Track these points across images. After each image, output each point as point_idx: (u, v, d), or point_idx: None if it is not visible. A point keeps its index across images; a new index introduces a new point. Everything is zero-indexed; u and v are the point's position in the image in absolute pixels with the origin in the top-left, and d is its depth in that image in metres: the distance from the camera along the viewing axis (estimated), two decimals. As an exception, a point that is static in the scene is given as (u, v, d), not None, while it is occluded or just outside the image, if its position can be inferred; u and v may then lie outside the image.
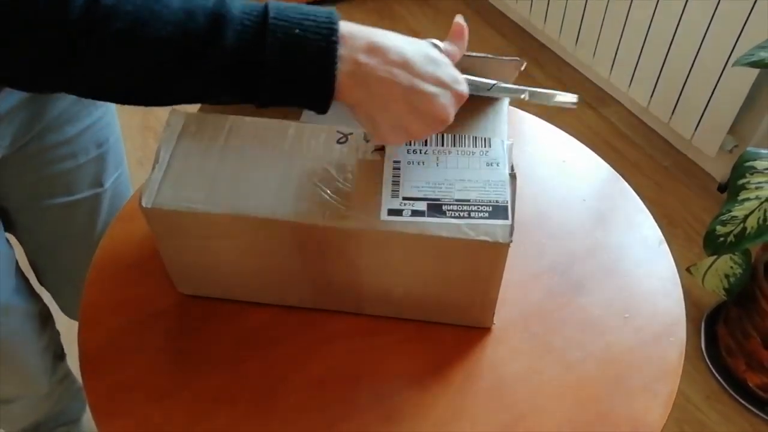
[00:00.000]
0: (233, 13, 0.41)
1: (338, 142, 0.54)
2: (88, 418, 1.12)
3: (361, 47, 0.44)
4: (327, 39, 0.42)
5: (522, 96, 0.55)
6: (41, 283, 0.90)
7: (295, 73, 0.42)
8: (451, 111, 0.47)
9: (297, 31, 0.42)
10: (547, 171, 0.74)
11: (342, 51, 0.43)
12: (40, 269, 0.88)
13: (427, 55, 0.46)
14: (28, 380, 0.86)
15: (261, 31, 0.41)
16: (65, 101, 0.70)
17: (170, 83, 0.42)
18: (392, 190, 0.51)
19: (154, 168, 0.52)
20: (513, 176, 0.52)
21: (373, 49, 0.44)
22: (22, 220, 0.79)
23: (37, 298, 0.82)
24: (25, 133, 0.68)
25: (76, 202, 0.79)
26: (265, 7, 0.42)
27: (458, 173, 0.53)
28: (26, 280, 0.79)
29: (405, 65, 0.44)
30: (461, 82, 0.48)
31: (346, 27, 0.44)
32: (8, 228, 0.79)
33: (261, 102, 0.44)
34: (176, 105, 0.47)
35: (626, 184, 0.73)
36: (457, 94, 0.47)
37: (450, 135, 0.55)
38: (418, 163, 0.53)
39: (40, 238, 0.82)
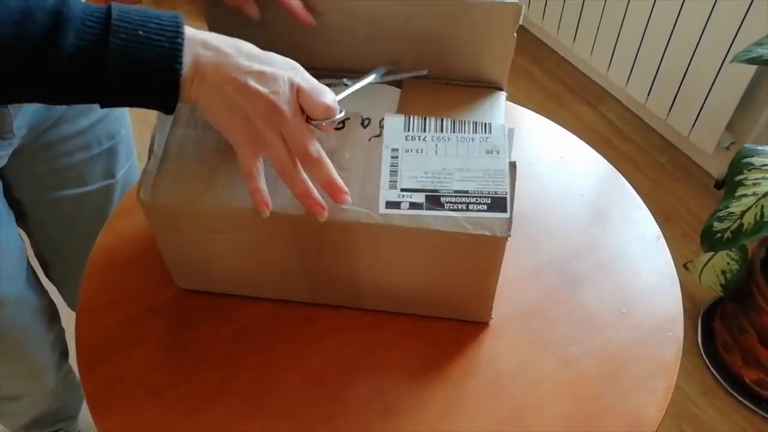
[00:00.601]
0: (74, 13, 0.41)
1: (336, 128, 0.53)
2: (84, 414, 1.12)
3: (200, 44, 0.44)
4: (171, 40, 0.43)
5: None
6: (48, 277, 0.90)
7: (139, 74, 0.43)
8: (285, 90, 0.45)
9: (140, 32, 0.42)
10: (545, 167, 0.74)
11: (186, 53, 0.43)
12: (48, 262, 0.88)
13: (261, 52, 0.46)
14: (37, 376, 0.86)
15: (103, 32, 0.41)
16: None
17: (8, 84, 0.42)
18: (390, 181, 0.51)
19: (149, 159, 0.51)
20: (513, 165, 0.52)
21: (209, 45, 0.45)
22: (33, 212, 0.80)
23: (45, 292, 0.82)
24: (41, 123, 0.69)
25: (87, 194, 0.79)
26: (108, 9, 0.42)
27: (458, 162, 0.52)
28: (35, 274, 0.79)
29: (239, 53, 0.45)
30: (297, 68, 0.47)
31: (189, 30, 0.44)
32: (19, 221, 0.79)
33: (105, 103, 0.44)
34: (19, 104, 0.46)
35: (624, 180, 0.73)
36: (291, 81, 0.46)
37: (450, 120, 0.55)
38: (417, 151, 0.53)
39: (50, 229, 0.82)
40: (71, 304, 0.98)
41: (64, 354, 0.90)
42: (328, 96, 0.47)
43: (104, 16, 0.42)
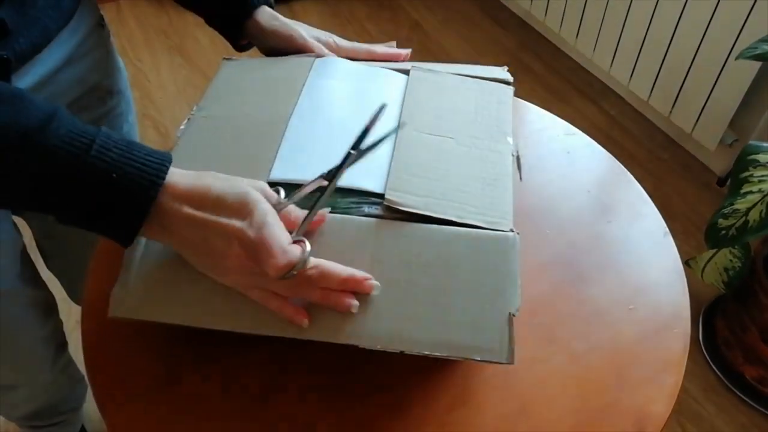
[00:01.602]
0: (57, 137, 0.41)
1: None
2: (87, 406, 1.12)
3: (179, 196, 0.44)
4: (145, 193, 0.42)
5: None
6: (48, 267, 0.90)
7: (100, 214, 0.43)
8: (231, 247, 0.44)
9: (114, 175, 0.42)
10: (552, 162, 0.74)
11: (160, 202, 0.43)
12: (47, 252, 0.88)
13: (239, 198, 0.44)
14: (31, 368, 0.86)
15: (77, 164, 0.41)
16: (77, 90, 0.70)
17: None
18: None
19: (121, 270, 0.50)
20: (517, 158, 0.53)
21: (188, 198, 0.44)
22: None
23: (42, 285, 0.81)
24: None
25: None
26: (92, 140, 0.42)
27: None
28: (32, 266, 0.79)
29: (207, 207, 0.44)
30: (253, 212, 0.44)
31: (171, 175, 0.44)
32: (18, 212, 0.79)
33: (59, 221, 0.44)
34: None
35: (631, 175, 0.73)
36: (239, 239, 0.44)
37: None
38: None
39: (49, 221, 0.82)
40: (71, 294, 0.98)
41: (61, 346, 0.90)
42: (279, 256, 0.43)
43: (86, 145, 0.41)
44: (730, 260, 1.11)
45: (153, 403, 0.52)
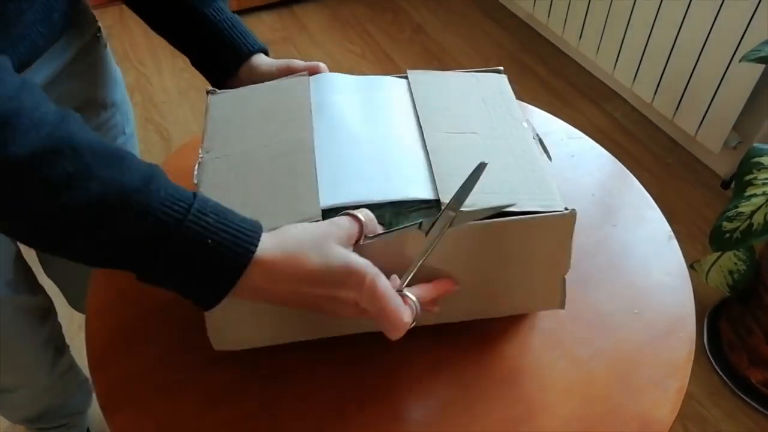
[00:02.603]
0: (153, 202, 0.40)
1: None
2: (93, 410, 1.12)
3: (265, 273, 0.43)
4: (236, 261, 0.42)
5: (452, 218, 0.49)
6: (48, 276, 0.90)
7: (189, 280, 0.43)
8: (349, 307, 0.45)
9: (209, 241, 0.42)
10: (556, 166, 0.73)
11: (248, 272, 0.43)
12: (46, 261, 0.88)
13: (328, 269, 0.44)
14: (27, 372, 0.85)
15: (174, 228, 0.41)
16: (68, 104, 0.69)
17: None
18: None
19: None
20: (540, 140, 0.56)
21: (275, 278, 0.44)
22: None
23: (37, 291, 0.81)
24: None
25: None
26: (189, 206, 0.42)
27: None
28: (27, 272, 0.78)
29: (302, 288, 0.44)
30: (363, 272, 0.44)
31: (263, 247, 0.43)
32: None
33: (140, 279, 0.44)
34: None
35: (634, 179, 0.73)
36: (359, 287, 0.44)
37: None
38: None
39: None
40: (72, 303, 0.98)
41: (60, 350, 0.90)
42: (401, 328, 0.45)
43: (183, 211, 0.41)
44: (735, 263, 1.11)
45: (155, 407, 0.52)
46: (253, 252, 0.43)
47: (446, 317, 0.55)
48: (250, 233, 0.43)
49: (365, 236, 0.47)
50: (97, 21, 0.72)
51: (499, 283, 0.54)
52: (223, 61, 0.66)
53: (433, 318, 0.52)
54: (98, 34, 0.72)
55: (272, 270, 0.43)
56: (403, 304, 0.45)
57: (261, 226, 0.44)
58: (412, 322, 0.46)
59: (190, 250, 0.41)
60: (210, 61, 0.66)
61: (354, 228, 0.47)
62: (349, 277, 0.44)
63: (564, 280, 0.54)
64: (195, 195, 0.43)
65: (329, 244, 0.44)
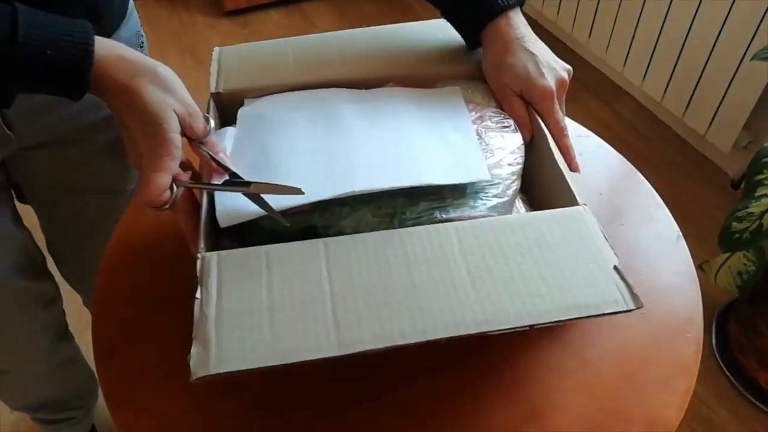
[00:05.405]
0: None
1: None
2: (98, 407, 1.12)
3: (113, 62, 0.47)
4: (82, 61, 0.45)
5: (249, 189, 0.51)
6: (61, 274, 0.91)
7: (44, 83, 0.46)
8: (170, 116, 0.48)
9: (48, 52, 0.44)
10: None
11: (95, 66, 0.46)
12: (58, 259, 0.89)
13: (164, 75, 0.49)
14: (19, 356, 0.86)
15: (7, 51, 0.43)
16: (96, 114, 0.71)
17: None
18: None
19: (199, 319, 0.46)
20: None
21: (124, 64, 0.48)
22: (49, 211, 0.81)
23: (43, 278, 0.82)
24: (49, 130, 0.68)
25: (101, 198, 0.79)
26: (14, 21, 0.44)
27: None
28: (35, 259, 0.79)
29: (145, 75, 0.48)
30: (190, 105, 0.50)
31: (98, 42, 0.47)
32: (40, 218, 0.81)
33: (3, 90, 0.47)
34: None
35: (643, 178, 0.72)
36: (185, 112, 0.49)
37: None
38: None
39: (63, 228, 0.83)
40: (87, 303, 0.99)
41: (59, 339, 0.90)
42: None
43: (8, 32, 0.44)
44: (744, 264, 1.10)
45: (162, 403, 0.52)
46: (93, 44, 0.46)
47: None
48: (83, 31, 0.46)
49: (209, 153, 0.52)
50: (140, 31, 0.74)
51: (547, 277, 0.48)
52: (469, 16, 0.63)
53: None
54: (141, 43, 0.73)
55: (121, 58, 0.47)
56: (165, 178, 0.46)
57: (90, 25, 0.47)
58: (164, 206, 0.47)
59: (33, 63, 0.44)
60: (458, 13, 0.65)
61: (197, 118, 0.50)
62: (164, 114, 0.47)
63: (619, 271, 0.49)
64: (16, 9, 0.45)
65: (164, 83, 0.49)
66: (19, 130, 0.65)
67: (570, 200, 0.53)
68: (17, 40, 0.43)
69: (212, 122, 0.53)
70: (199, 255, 0.48)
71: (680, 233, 0.66)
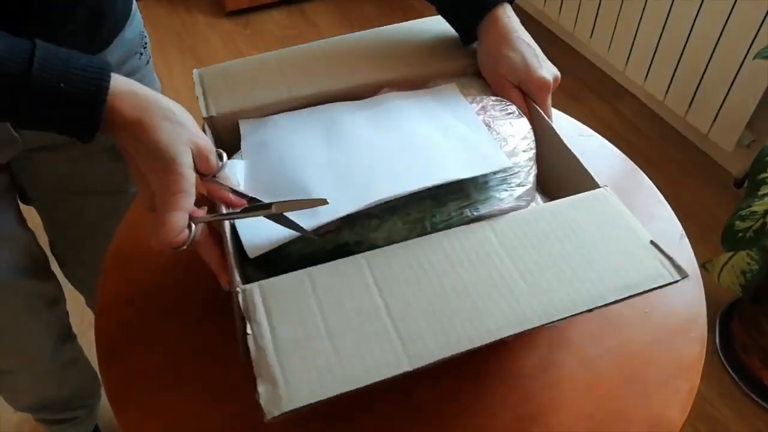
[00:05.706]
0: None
1: None
2: (103, 406, 1.12)
3: (127, 106, 0.46)
4: (95, 96, 0.45)
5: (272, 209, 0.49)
6: (64, 275, 0.91)
7: (56, 120, 0.45)
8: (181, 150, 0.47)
9: (62, 85, 0.44)
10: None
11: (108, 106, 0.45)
12: (61, 260, 0.89)
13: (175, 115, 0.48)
14: (24, 356, 0.86)
15: (22, 84, 0.43)
16: None
17: None
18: None
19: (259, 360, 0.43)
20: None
21: (138, 107, 0.46)
22: (52, 213, 0.81)
23: (46, 279, 0.82)
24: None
25: (103, 201, 0.79)
26: (31, 55, 0.44)
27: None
28: (38, 259, 0.80)
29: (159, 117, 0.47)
30: (201, 138, 0.49)
31: (114, 81, 0.46)
32: (43, 220, 0.81)
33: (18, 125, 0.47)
34: None
35: (645, 177, 0.72)
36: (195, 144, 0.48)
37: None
38: None
39: (66, 231, 0.84)
40: (90, 304, 0.99)
41: (63, 339, 0.90)
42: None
43: (25, 64, 0.43)
44: (748, 263, 1.10)
45: (165, 404, 0.52)
46: (108, 81, 0.45)
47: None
48: (99, 65, 0.46)
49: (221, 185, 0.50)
50: (144, 35, 0.74)
51: (591, 260, 0.48)
52: (466, 11, 0.64)
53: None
54: (142, 51, 0.73)
55: (132, 94, 0.46)
56: (182, 217, 0.44)
57: (109, 62, 0.46)
58: (182, 246, 0.45)
59: (46, 96, 0.44)
60: (454, 9, 0.66)
61: (210, 152, 0.49)
62: (174, 152, 0.46)
63: (657, 245, 0.49)
64: (35, 44, 0.45)
65: (179, 123, 0.47)
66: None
67: (589, 183, 0.53)
68: (32, 72, 0.43)
69: (225, 157, 0.51)
70: (238, 289, 0.46)
71: (683, 232, 0.66)
